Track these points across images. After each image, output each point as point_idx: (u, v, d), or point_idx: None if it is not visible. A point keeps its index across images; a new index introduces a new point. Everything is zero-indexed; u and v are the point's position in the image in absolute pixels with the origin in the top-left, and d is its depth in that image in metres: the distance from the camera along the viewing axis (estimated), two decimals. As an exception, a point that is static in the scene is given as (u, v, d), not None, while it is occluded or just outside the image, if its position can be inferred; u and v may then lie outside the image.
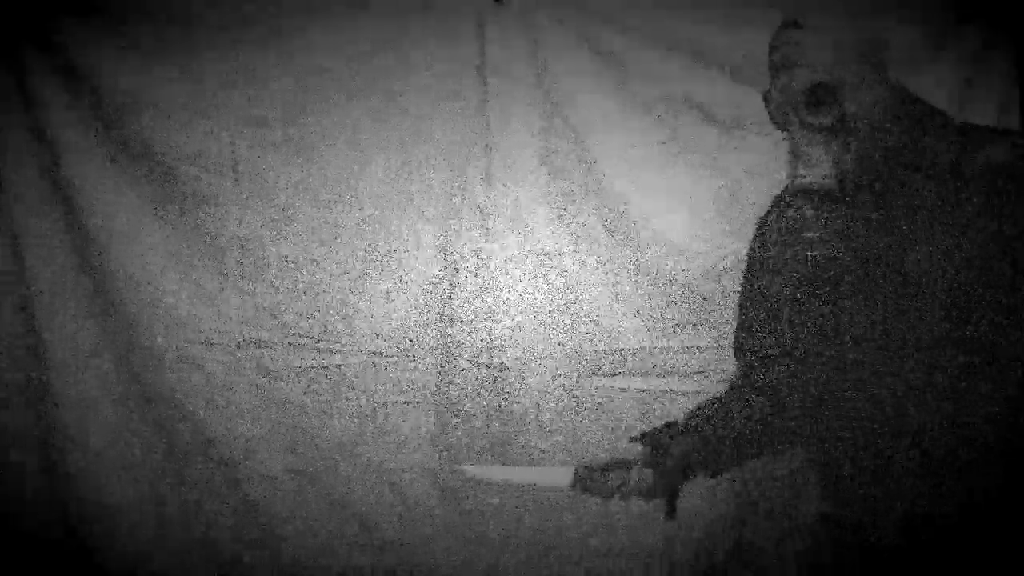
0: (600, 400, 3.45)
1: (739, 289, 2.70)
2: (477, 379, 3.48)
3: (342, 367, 3.51)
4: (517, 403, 3.46)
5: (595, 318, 3.45)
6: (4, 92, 3.49)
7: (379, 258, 3.49)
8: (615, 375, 3.45)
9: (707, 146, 3.41)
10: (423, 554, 3.53)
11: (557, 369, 3.46)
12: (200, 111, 3.47)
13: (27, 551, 3.53)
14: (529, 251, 3.47)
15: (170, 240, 3.52)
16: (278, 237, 3.49)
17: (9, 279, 3.53)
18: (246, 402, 3.53)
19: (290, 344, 3.52)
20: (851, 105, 2.39)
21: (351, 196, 3.49)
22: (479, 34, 3.44)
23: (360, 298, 3.49)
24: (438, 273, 3.49)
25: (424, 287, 3.48)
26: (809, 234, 2.44)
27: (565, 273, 3.47)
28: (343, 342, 3.51)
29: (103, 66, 3.47)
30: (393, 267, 3.49)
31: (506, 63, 3.44)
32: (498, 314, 3.47)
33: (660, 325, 3.44)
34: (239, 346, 3.52)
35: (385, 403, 3.51)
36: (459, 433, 3.50)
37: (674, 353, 3.44)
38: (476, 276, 3.48)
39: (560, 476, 2.61)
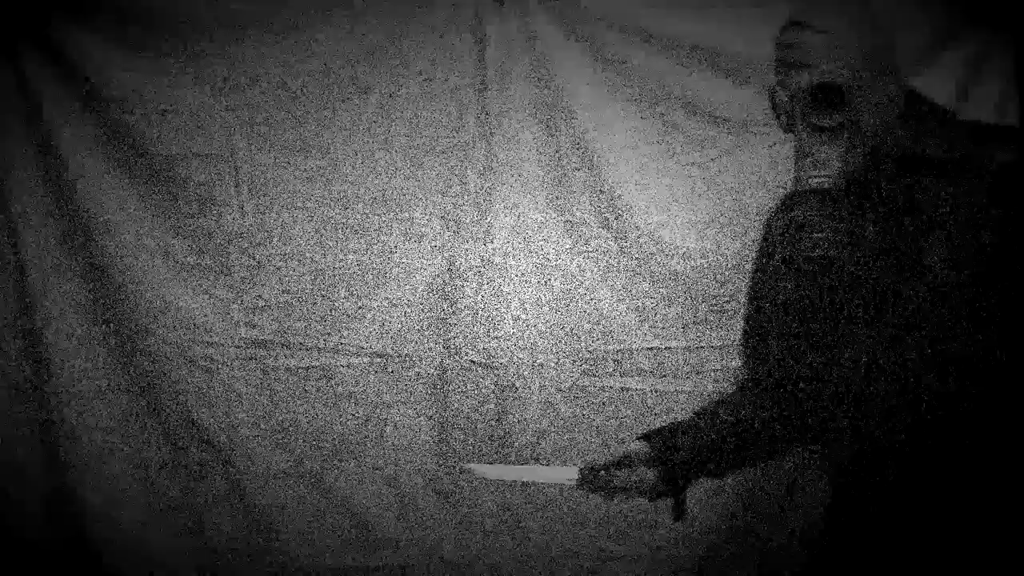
0: (600, 400, 3.45)
1: (745, 290, 2.69)
2: (477, 379, 3.48)
3: (342, 367, 3.51)
4: (517, 403, 3.46)
5: (595, 318, 3.45)
6: (3, 91, 3.48)
7: (379, 258, 3.48)
8: (615, 375, 3.45)
9: (707, 146, 3.41)
10: (423, 554, 3.53)
11: (557, 369, 3.46)
12: (200, 111, 3.47)
13: (28, 549, 3.53)
14: (529, 251, 3.47)
15: (170, 240, 3.51)
16: (278, 237, 3.49)
17: (9, 278, 3.52)
18: (246, 402, 3.52)
19: (290, 344, 3.52)
20: (858, 105, 2.38)
21: (351, 196, 3.48)
22: (479, 34, 3.43)
23: (360, 298, 3.49)
24: (438, 273, 3.48)
25: (424, 287, 3.48)
26: (816, 235, 2.43)
27: (565, 273, 3.47)
28: (343, 342, 3.50)
29: (103, 65, 3.46)
30: (393, 267, 3.48)
31: (506, 63, 3.43)
32: (498, 314, 3.47)
33: (660, 325, 3.44)
34: (239, 346, 3.52)
35: (385, 403, 3.51)
36: (459, 433, 3.50)
37: (674, 353, 3.44)
38: (476, 276, 3.47)
39: (566, 475, 2.61)
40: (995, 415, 2.35)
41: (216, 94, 3.47)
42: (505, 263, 3.46)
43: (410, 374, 3.50)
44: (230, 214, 3.49)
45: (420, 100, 3.45)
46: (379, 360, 3.51)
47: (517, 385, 3.46)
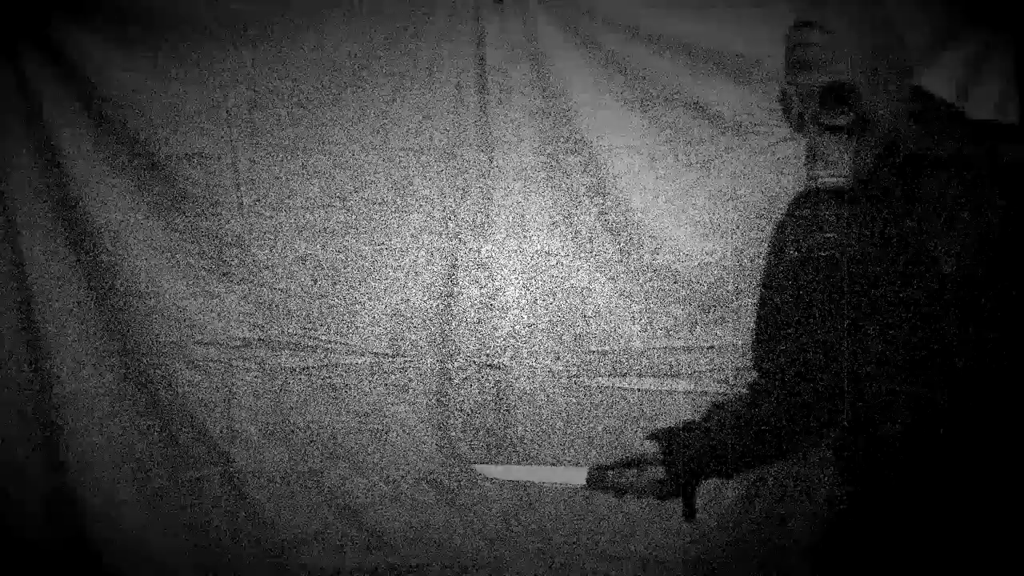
0: (600, 400, 3.45)
1: (756, 289, 2.67)
2: (477, 379, 3.48)
3: (342, 367, 3.51)
4: (517, 403, 3.46)
5: (595, 318, 3.45)
6: (3, 91, 3.48)
7: (379, 258, 3.48)
8: (615, 375, 3.45)
9: (707, 146, 3.41)
10: (423, 554, 3.53)
11: (557, 369, 3.46)
12: (200, 111, 3.47)
13: (28, 549, 3.53)
14: (529, 251, 3.47)
15: (170, 240, 3.51)
16: (278, 237, 3.49)
17: (9, 278, 3.52)
18: (246, 402, 3.52)
19: (290, 344, 3.52)
20: (868, 104, 2.38)
21: (351, 196, 3.48)
22: (479, 34, 3.43)
23: (360, 298, 3.49)
24: (439, 273, 3.48)
25: (424, 287, 3.48)
26: (828, 234, 2.43)
27: (565, 273, 3.47)
28: (343, 342, 3.50)
29: (103, 65, 3.46)
30: (393, 267, 3.48)
31: (506, 63, 3.44)
32: (498, 314, 3.47)
33: (660, 325, 3.44)
34: (239, 346, 3.52)
35: (385, 403, 3.51)
36: (459, 433, 3.50)
37: (674, 353, 3.44)
38: (476, 276, 3.48)
39: (575, 475, 2.60)
40: (1010, 416, 2.34)
41: (216, 94, 3.47)
42: (505, 263, 3.46)
43: (410, 374, 3.50)
44: (230, 214, 3.49)
45: (420, 100, 3.46)
46: (379, 360, 3.51)
47: (517, 385, 3.46)
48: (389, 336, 3.50)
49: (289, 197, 3.49)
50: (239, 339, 3.52)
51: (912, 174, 2.39)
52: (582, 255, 3.46)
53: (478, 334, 3.48)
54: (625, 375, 3.45)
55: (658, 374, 3.44)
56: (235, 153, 3.48)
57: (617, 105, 3.42)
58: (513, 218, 3.46)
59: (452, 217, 3.48)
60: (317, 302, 3.50)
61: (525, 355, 3.46)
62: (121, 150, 3.49)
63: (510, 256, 3.47)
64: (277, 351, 3.52)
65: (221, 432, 3.52)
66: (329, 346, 3.51)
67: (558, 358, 3.46)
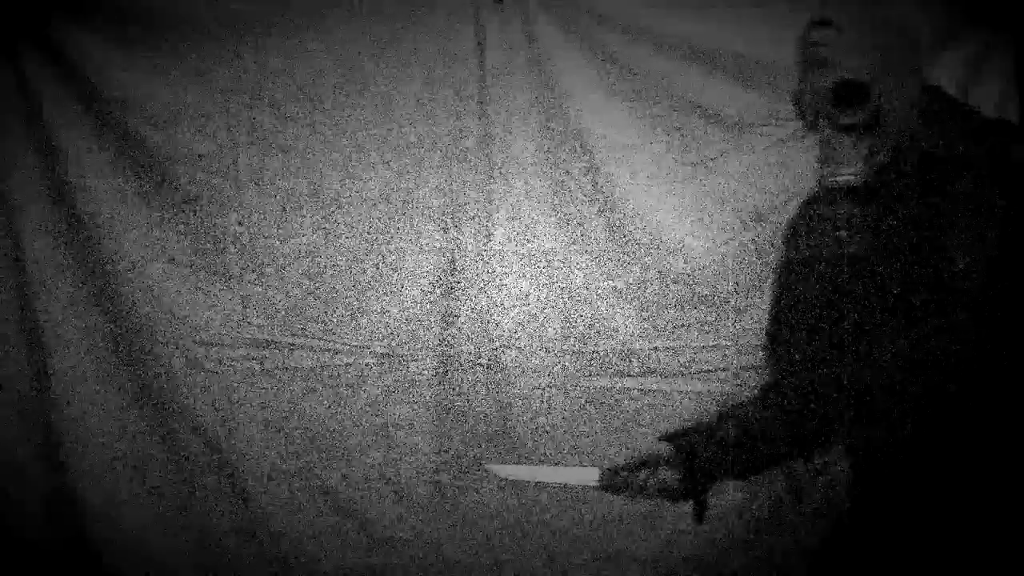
0: (600, 400, 3.45)
1: (769, 289, 2.66)
2: (477, 379, 3.48)
3: (342, 367, 3.51)
4: (517, 403, 3.46)
5: (595, 318, 3.45)
6: (3, 91, 3.49)
7: (380, 258, 3.49)
8: (615, 375, 3.45)
9: (707, 146, 3.41)
10: (423, 554, 3.53)
11: (557, 369, 3.46)
12: (200, 111, 3.47)
13: (28, 549, 3.53)
14: (529, 251, 3.47)
15: (170, 240, 3.51)
16: (278, 237, 3.49)
17: (9, 278, 3.52)
18: (246, 402, 3.52)
19: (290, 344, 3.52)
20: (882, 103, 2.38)
21: (351, 196, 3.48)
22: (479, 34, 3.43)
23: (360, 298, 3.49)
24: (438, 273, 3.48)
25: (425, 287, 3.48)
26: (841, 232, 2.43)
27: (565, 273, 3.47)
28: (343, 342, 3.50)
29: (103, 65, 3.46)
30: (394, 267, 3.48)
31: (506, 63, 3.44)
32: (498, 314, 3.47)
33: (660, 325, 3.44)
34: (240, 346, 3.52)
35: (385, 403, 3.51)
36: (459, 433, 3.50)
37: (674, 353, 3.44)
38: (476, 276, 3.48)
39: (587, 476, 2.59)
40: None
41: (216, 94, 3.47)
42: (505, 263, 3.47)
43: (410, 374, 3.50)
44: (230, 214, 3.49)
45: (420, 100, 3.46)
46: (379, 360, 3.51)
47: (517, 385, 3.46)
48: (389, 336, 3.50)
49: (289, 197, 3.49)
50: (239, 339, 3.52)
51: (926, 172, 2.38)
52: (582, 255, 3.46)
53: (478, 334, 3.48)
54: (625, 375, 3.45)
55: (658, 374, 3.44)
56: (235, 153, 3.48)
57: (617, 105, 3.42)
58: (513, 218, 3.46)
59: (452, 217, 3.48)
60: (317, 302, 3.50)
61: (525, 355, 3.46)
62: (121, 150, 3.49)
63: (510, 256, 3.47)
64: (277, 351, 3.52)
65: (221, 432, 3.52)
66: (329, 346, 3.51)
67: (558, 358, 3.46)
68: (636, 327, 3.44)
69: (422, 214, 3.48)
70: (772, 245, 3.35)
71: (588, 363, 3.46)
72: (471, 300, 3.48)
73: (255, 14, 3.46)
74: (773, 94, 3.35)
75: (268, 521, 3.53)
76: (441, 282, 3.49)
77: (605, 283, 3.45)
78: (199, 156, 3.48)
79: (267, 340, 3.52)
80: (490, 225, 3.47)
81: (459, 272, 3.48)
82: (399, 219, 3.48)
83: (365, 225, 3.49)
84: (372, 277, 3.49)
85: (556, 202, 3.46)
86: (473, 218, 3.47)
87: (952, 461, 2.38)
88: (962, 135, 2.41)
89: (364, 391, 3.51)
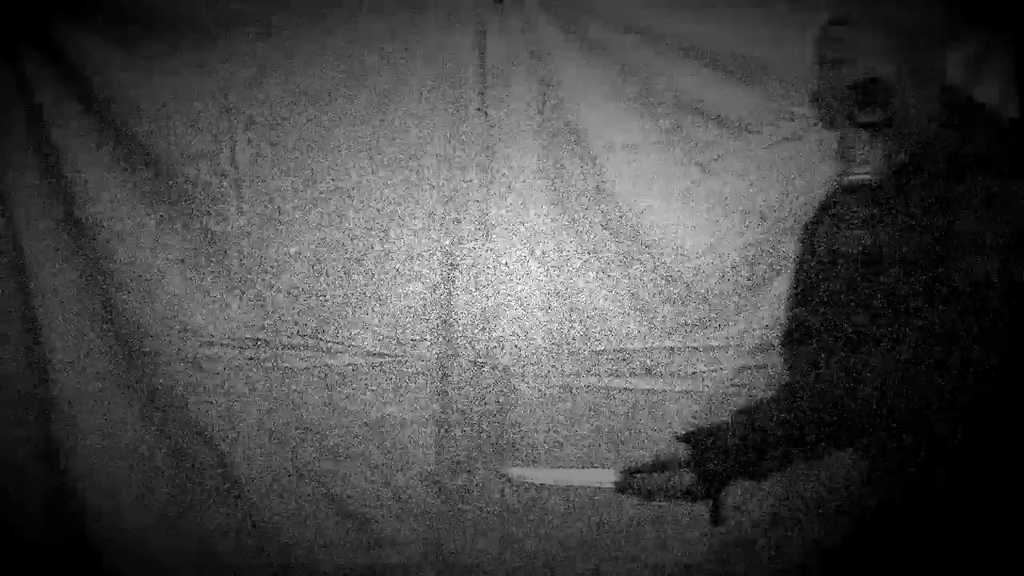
0: (600, 400, 3.45)
1: (787, 287, 2.65)
2: (477, 379, 3.48)
3: (342, 367, 3.51)
4: (517, 403, 3.47)
5: (595, 318, 3.45)
6: (3, 91, 3.49)
7: (380, 258, 3.49)
8: (615, 375, 3.45)
9: (708, 146, 3.41)
10: (423, 554, 3.53)
11: (557, 369, 3.46)
12: (200, 111, 3.47)
13: (28, 549, 3.53)
14: (529, 251, 3.47)
15: (170, 240, 3.52)
16: (278, 237, 3.49)
17: (9, 278, 3.53)
18: (246, 402, 3.52)
19: (290, 344, 3.52)
20: (901, 102, 2.37)
21: (351, 196, 3.48)
22: (479, 34, 3.43)
23: (360, 298, 3.49)
24: (438, 273, 3.48)
25: (424, 287, 3.48)
26: (859, 231, 2.42)
27: (565, 273, 3.47)
28: (343, 342, 3.50)
29: (103, 65, 3.46)
30: (394, 267, 3.48)
31: (506, 63, 3.44)
32: (498, 314, 3.47)
33: (660, 325, 3.44)
34: (239, 346, 3.52)
35: (385, 403, 3.51)
36: (459, 433, 3.50)
37: (674, 353, 3.44)
38: (476, 276, 3.48)
39: (604, 477, 2.58)
40: None
41: (216, 94, 3.47)
42: (505, 263, 3.47)
43: (410, 374, 3.50)
44: (230, 214, 3.49)
45: (420, 100, 3.46)
46: (379, 360, 3.51)
47: (517, 385, 3.46)
48: (389, 336, 3.50)
49: (289, 197, 3.49)
50: (239, 339, 3.52)
51: (944, 172, 2.38)
52: (582, 255, 3.46)
53: (478, 334, 3.47)
54: (625, 375, 3.45)
55: (658, 374, 3.44)
56: (235, 152, 3.48)
57: (617, 105, 3.42)
58: (513, 218, 3.46)
59: (452, 217, 3.48)
60: (317, 302, 3.50)
61: (525, 355, 3.46)
62: (121, 150, 3.49)
63: (510, 256, 3.47)
64: (277, 351, 3.52)
65: (221, 432, 3.52)
66: (329, 346, 3.51)
67: (558, 358, 3.46)
68: (635, 327, 3.44)
69: (422, 214, 3.48)
70: (772, 245, 3.38)
71: (588, 363, 3.46)
72: (471, 300, 3.48)
73: (255, 14, 3.46)
74: (773, 94, 3.35)
75: (268, 521, 3.53)
76: (441, 282, 3.49)
77: (604, 283, 3.45)
78: (199, 156, 3.48)
79: (267, 340, 3.52)
80: (490, 225, 3.47)
81: (459, 272, 3.48)
82: (399, 219, 3.48)
83: (365, 225, 3.49)
84: (372, 277, 3.49)
85: (556, 202, 3.46)
86: (473, 218, 3.47)
87: (969, 461, 2.37)
88: (981, 135, 2.40)
89: (364, 391, 3.51)
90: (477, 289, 3.48)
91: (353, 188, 3.49)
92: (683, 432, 2.55)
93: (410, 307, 3.49)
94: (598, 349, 3.46)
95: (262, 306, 3.52)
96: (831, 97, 2.42)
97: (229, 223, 3.50)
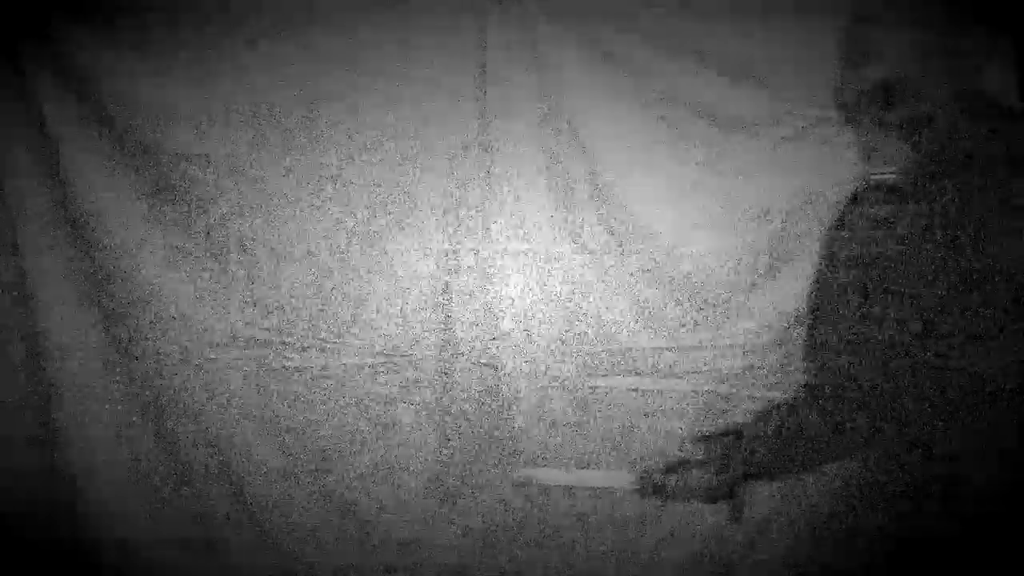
0: (601, 400, 3.45)
1: (808, 288, 2.64)
2: (477, 379, 3.48)
3: (342, 367, 3.51)
4: (517, 403, 3.47)
5: (595, 318, 3.45)
6: (3, 91, 3.49)
7: (379, 258, 3.49)
8: (615, 375, 3.45)
9: (707, 146, 3.41)
10: (423, 554, 3.53)
11: (557, 369, 3.46)
12: (200, 111, 3.47)
13: (28, 549, 3.53)
14: (529, 251, 3.47)
15: (170, 240, 3.52)
16: (278, 237, 3.49)
17: (9, 278, 3.53)
18: (246, 402, 3.53)
19: (290, 344, 3.52)
20: (925, 102, 2.36)
21: (351, 196, 3.48)
22: (479, 34, 3.43)
23: (360, 298, 3.49)
24: (438, 273, 3.48)
25: (424, 287, 3.48)
26: (882, 232, 2.41)
27: (565, 273, 3.47)
28: (343, 342, 3.51)
29: (103, 65, 3.46)
30: (394, 267, 3.48)
31: (506, 63, 3.44)
32: (498, 314, 3.47)
33: (660, 325, 3.44)
34: (239, 346, 3.52)
35: (385, 403, 3.51)
36: (459, 433, 3.50)
37: (674, 353, 3.44)
38: (476, 276, 3.48)
39: (622, 479, 2.58)
40: None
41: (216, 94, 3.47)
42: (505, 263, 3.47)
43: (410, 374, 3.50)
44: (230, 214, 3.49)
45: (420, 100, 3.45)
46: (379, 360, 3.51)
47: (517, 385, 3.46)
48: (389, 336, 3.50)
49: (289, 197, 3.49)
50: (239, 339, 3.52)
51: (969, 173, 2.37)
52: (582, 255, 3.46)
53: (478, 334, 3.48)
54: (625, 375, 3.45)
55: (657, 374, 3.44)
56: (235, 153, 3.48)
57: (617, 104, 3.42)
58: (513, 218, 3.46)
59: (452, 217, 3.48)
60: (317, 302, 3.50)
61: (525, 355, 3.46)
62: (121, 150, 3.49)
63: (510, 256, 3.47)
64: (277, 351, 3.52)
65: (221, 432, 3.52)
66: (329, 346, 3.51)
67: (558, 358, 3.46)
68: (635, 327, 3.44)
69: (422, 214, 3.48)
70: (772, 245, 3.38)
71: (588, 363, 3.46)
72: (471, 300, 3.48)
73: (255, 14, 3.46)
74: (773, 94, 3.35)
75: (268, 521, 3.53)
76: (441, 282, 3.49)
77: (604, 283, 3.45)
78: (199, 156, 3.48)
79: (267, 340, 3.52)
80: (490, 225, 3.47)
81: (459, 272, 3.48)
82: (399, 219, 3.48)
83: (365, 224, 3.49)
84: (372, 277, 3.49)
85: (556, 202, 3.46)
86: (473, 218, 3.47)
87: (992, 467, 2.35)
88: (1006, 136, 2.39)
89: (364, 391, 3.51)
90: (477, 289, 3.48)
91: (353, 187, 3.48)
92: (700, 433, 2.54)
93: (410, 307, 3.49)
94: (598, 349, 3.46)
95: (262, 306, 3.52)
96: (854, 96, 2.41)
97: (229, 223, 3.50)
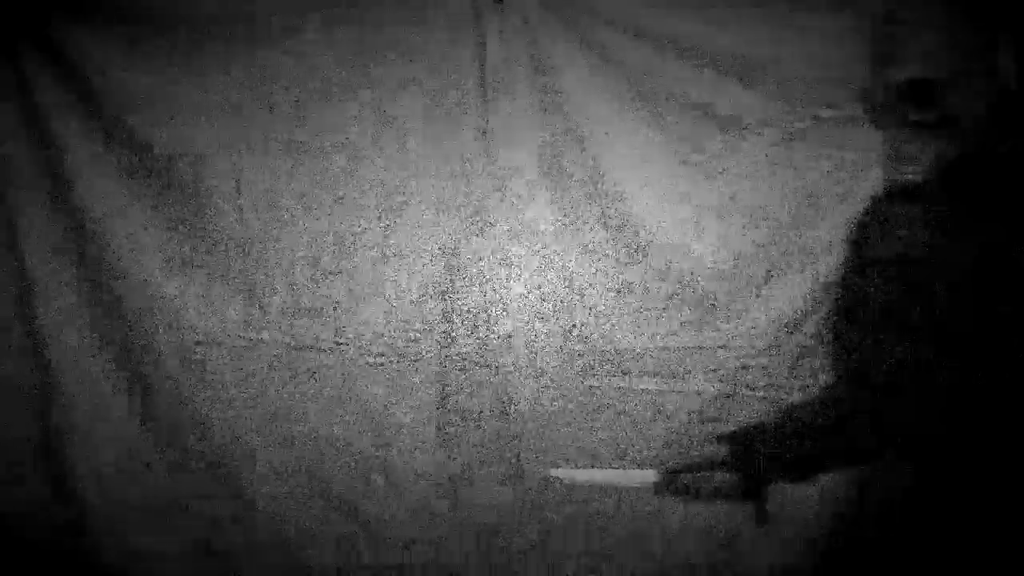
0: (601, 400, 3.45)
1: (834, 287, 2.62)
2: (478, 379, 3.48)
3: (342, 367, 3.51)
4: (518, 403, 3.46)
5: (595, 318, 3.45)
6: (3, 91, 3.49)
7: (380, 258, 3.48)
8: (616, 375, 3.45)
9: (708, 146, 3.40)
10: (423, 554, 3.53)
11: (558, 369, 3.46)
12: (200, 111, 3.47)
13: (28, 549, 3.53)
14: (529, 251, 3.47)
15: (170, 240, 3.51)
16: (278, 237, 3.49)
17: (9, 279, 3.52)
18: (246, 402, 3.52)
19: (290, 344, 3.52)
20: (953, 102, 2.35)
21: (351, 196, 3.48)
22: (479, 34, 3.43)
23: (361, 298, 3.49)
24: (439, 274, 3.48)
25: (425, 287, 3.48)
26: (904, 232, 2.40)
27: (565, 273, 3.47)
28: (343, 342, 3.50)
29: (103, 65, 3.46)
30: (394, 267, 3.48)
31: (506, 63, 3.43)
32: (499, 314, 3.47)
33: (660, 325, 3.44)
34: (240, 346, 3.52)
35: (385, 403, 3.51)
36: (460, 433, 3.50)
37: (674, 353, 3.44)
38: (477, 276, 3.47)
39: (644, 478, 2.57)
40: None
41: (216, 94, 3.47)
42: (505, 263, 3.46)
43: (410, 374, 3.50)
44: (230, 214, 3.49)
45: (420, 100, 3.45)
46: (379, 360, 3.51)
47: (517, 384, 3.46)
48: (389, 336, 3.49)
49: (289, 197, 3.49)
50: (239, 339, 3.52)
51: (995, 174, 2.36)
52: (582, 255, 3.46)
53: (478, 334, 3.47)
54: (625, 375, 3.45)
55: (658, 374, 3.44)
56: (235, 153, 3.48)
57: (617, 105, 3.42)
58: (513, 218, 3.46)
59: (452, 217, 3.47)
60: (317, 302, 3.50)
61: (525, 355, 3.46)
62: (121, 150, 3.49)
63: (510, 256, 3.47)
64: (278, 351, 3.52)
65: (221, 432, 3.52)
66: (329, 346, 3.51)
67: (558, 358, 3.46)
68: (636, 327, 3.44)
69: (422, 214, 3.48)
70: (772, 245, 3.38)
71: (588, 363, 3.46)
72: (471, 300, 3.48)
73: (255, 14, 3.46)
74: (773, 94, 3.35)
75: (268, 521, 3.53)
76: (441, 282, 3.49)
77: (605, 283, 3.45)
78: (199, 156, 3.48)
79: (267, 340, 3.52)
80: (490, 225, 3.47)
81: (459, 272, 3.48)
82: (399, 219, 3.48)
83: (365, 224, 3.48)
84: (372, 277, 3.49)
85: (556, 202, 3.46)
86: (473, 218, 3.47)
87: (1019, 467, 2.34)
88: None
89: (364, 391, 3.51)
90: (477, 289, 3.47)
91: (353, 187, 3.48)
92: (724, 432, 2.53)
93: (411, 307, 3.49)
94: (598, 349, 3.46)
95: (263, 306, 3.52)
96: (881, 96, 2.40)
97: (228, 222, 3.49)
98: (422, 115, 3.46)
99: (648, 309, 3.44)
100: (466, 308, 3.48)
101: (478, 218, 3.47)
